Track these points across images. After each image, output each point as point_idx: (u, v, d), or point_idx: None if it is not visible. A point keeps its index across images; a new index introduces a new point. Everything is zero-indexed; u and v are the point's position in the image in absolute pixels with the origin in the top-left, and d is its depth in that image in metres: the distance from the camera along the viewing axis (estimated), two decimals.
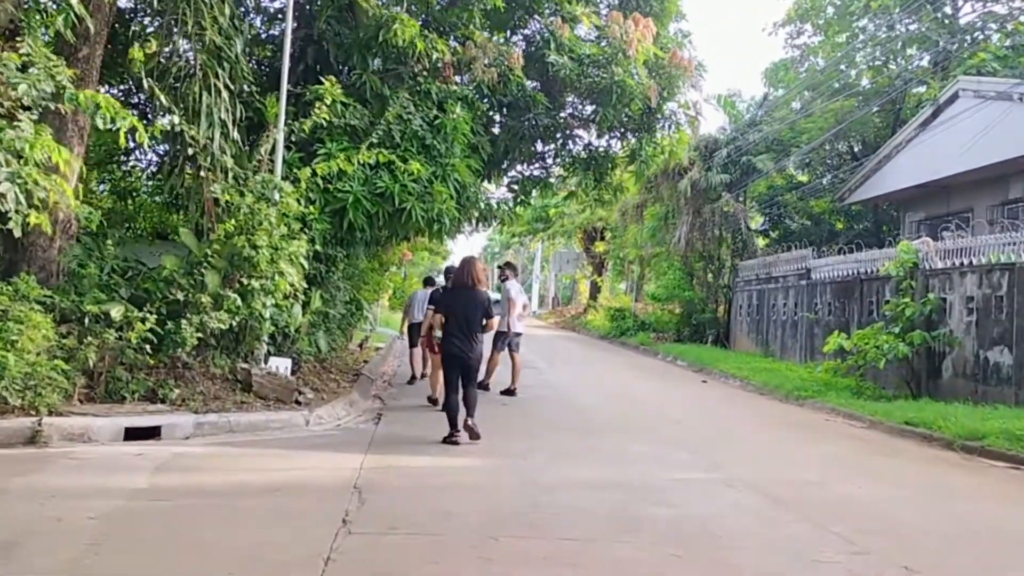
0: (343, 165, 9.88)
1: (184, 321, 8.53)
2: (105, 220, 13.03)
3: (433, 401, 10.70)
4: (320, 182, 9.89)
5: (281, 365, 9.91)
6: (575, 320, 36.61)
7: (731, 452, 8.70)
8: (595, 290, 37.67)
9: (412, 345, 13.85)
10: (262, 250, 9.02)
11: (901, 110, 24.47)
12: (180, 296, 8.70)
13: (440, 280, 14.08)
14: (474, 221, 13.41)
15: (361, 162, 10.16)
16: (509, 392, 12.17)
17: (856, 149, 25.86)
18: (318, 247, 10.37)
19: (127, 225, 13.82)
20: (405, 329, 14.06)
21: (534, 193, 13.79)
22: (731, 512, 5.95)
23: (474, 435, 8.11)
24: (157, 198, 14.25)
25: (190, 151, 8.96)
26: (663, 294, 25.61)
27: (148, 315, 8.32)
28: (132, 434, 7.43)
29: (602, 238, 37.04)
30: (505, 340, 12.18)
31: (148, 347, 8.31)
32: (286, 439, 7.95)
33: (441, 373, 9.47)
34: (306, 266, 9.76)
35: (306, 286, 10.20)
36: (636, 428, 9.98)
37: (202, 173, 9.12)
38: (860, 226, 26.10)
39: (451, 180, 11.15)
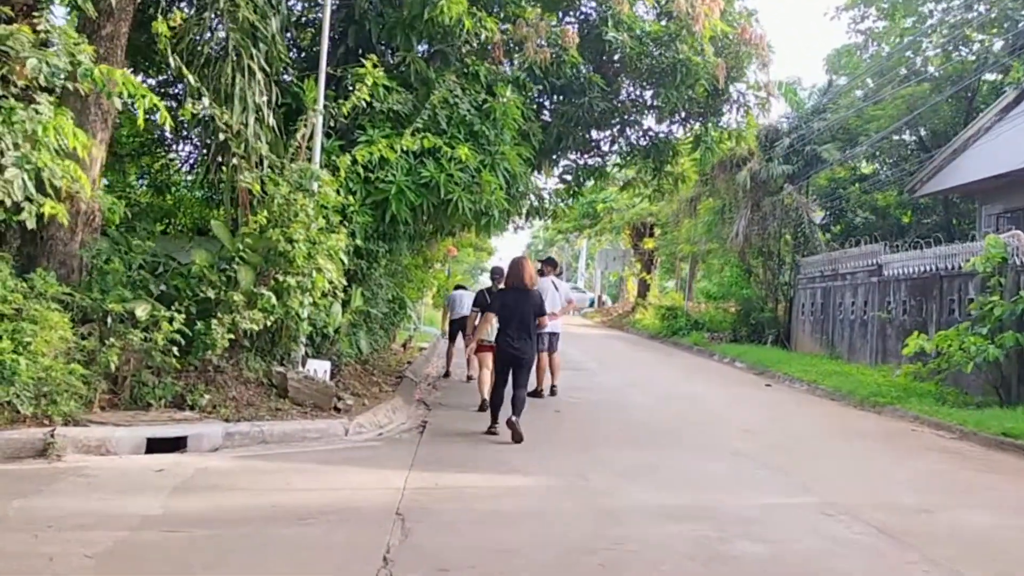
0: (385, 152, 9.12)
1: (214, 321, 7.85)
2: (143, 215, 12.57)
3: (468, 378, 10.81)
4: (360, 171, 9.15)
5: (320, 368, 9.20)
6: (623, 319, 35.59)
7: (817, 470, 7.75)
8: (644, 288, 36.57)
9: (451, 341, 14.07)
10: (298, 244, 8.31)
11: (975, 97, 23.07)
12: (211, 294, 8.02)
13: (485, 280, 13.47)
14: (524, 214, 12.58)
15: (404, 149, 9.40)
16: (536, 394, 11.08)
17: (924, 138, 24.46)
18: (359, 241, 9.64)
19: (167, 221, 13.30)
20: (447, 327, 14.24)
21: (588, 184, 12.90)
22: (840, 549, 5.03)
23: (516, 435, 7.96)
24: (197, 193, 13.72)
25: (221, 136, 8.27)
26: (719, 292, 24.53)
27: (176, 314, 7.66)
28: (155, 446, 6.76)
29: (651, 234, 35.96)
30: (545, 340, 11.25)
31: (176, 349, 7.64)
32: (323, 451, 7.21)
33: (488, 373, 9.92)
34: (346, 262, 9.04)
35: (346, 283, 9.48)
36: (704, 440, 9.07)
37: (234, 161, 8.43)
38: (929, 220, 24.74)
39: (500, 169, 10.34)
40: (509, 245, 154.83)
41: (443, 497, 5.83)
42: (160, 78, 12.82)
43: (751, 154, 21.62)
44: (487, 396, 9.65)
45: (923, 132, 24.47)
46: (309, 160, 9.19)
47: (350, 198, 9.09)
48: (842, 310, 19.72)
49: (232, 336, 7.96)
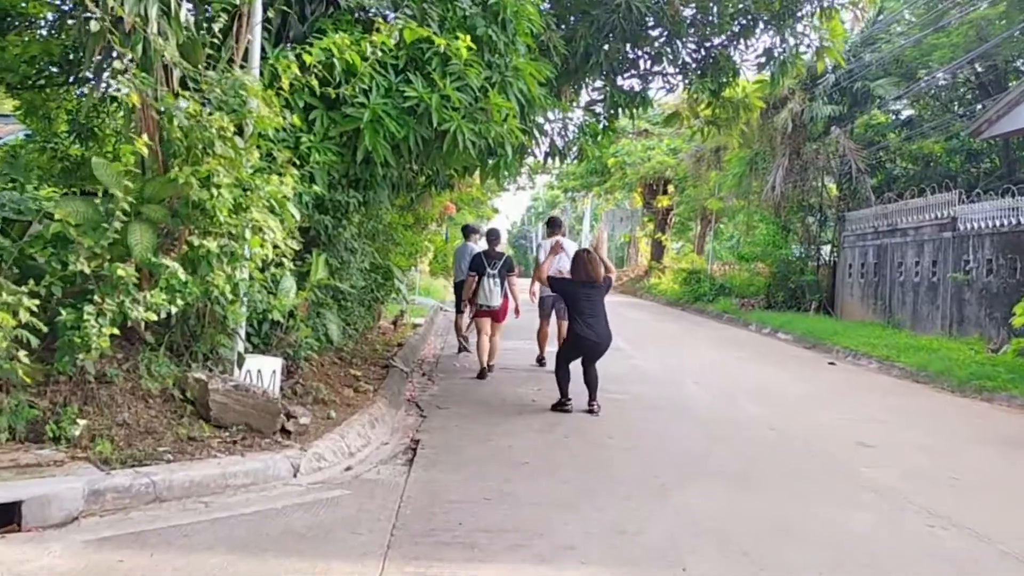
0: (350, 55, 6.33)
1: (88, 308, 5.10)
2: (73, 172, 9.86)
3: (483, 374, 10.18)
4: (315, 85, 6.34)
5: (266, 369, 6.49)
6: (636, 284, 32.90)
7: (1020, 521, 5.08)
8: (659, 250, 33.71)
9: (458, 310, 12.43)
10: (221, 190, 5.54)
11: None
12: (84, 267, 5.25)
13: (482, 244, 11.49)
14: (544, 155, 9.78)
15: (378, 55, 6.60)
16: (539, 362, 11.02)
17: (981, 75, 21.51)
18: (319, 189, 6.87)
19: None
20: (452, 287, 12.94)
21: (623, 116, 10.01)
22: None
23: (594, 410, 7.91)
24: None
25: (94, 26, 5.44)
26: (750, 253, 21.76)
27: (24, 299, 4.92)
28: None
29: (664, 192, 33.11)
30: (549, 304, 10.75)
31: (24, 354, 4.91)
32: (251, 516, 4.50)
33: (485, 339, 9.98)
34: (298, 217, 6.28)
35: (301, 247, 6.75)
36: (819, 465, 6.39)
37: (116, 64, 5.62)
38: (982, 167, 21.95)
39: (513, 90, 7.56)
40: (510, 207, 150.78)
41: None
42: None
43: (791, 93, 18.76)
44: (486, 364, 9.96)
45: (979, 68, 21.54)
46: (246, 70, 6.38)
47: (296, 119, 6.29)
48: (902, 271, 17.01)
49: (115, 331, 5.22)
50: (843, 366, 13.22)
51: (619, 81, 9.58)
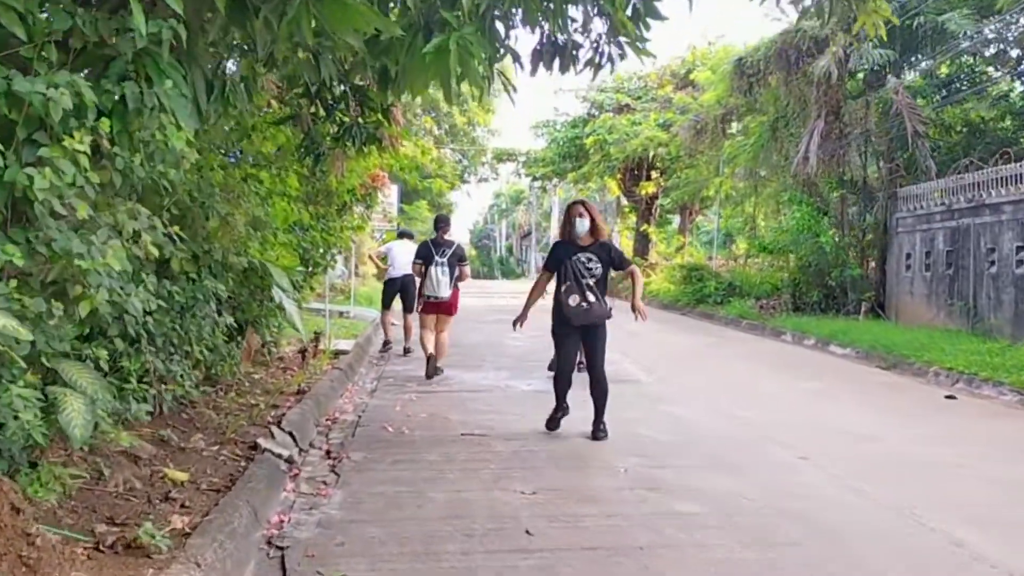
0: None
1: None
2: None
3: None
4: None
5: None
6: (619, 283, 28.58)
7: None
8: (644, 244, 29.37)
9: (385, 307, 11.80)
10: None
11: None
12: None
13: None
14: (533, 51, 5.37)
15: None
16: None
17: None
18: None
19: None
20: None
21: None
22: None
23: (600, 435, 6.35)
24: None
25: None
26: (777, 242, 17.52)
27: None
28: None
29: (648, 177, 28.85)
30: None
31: None
32: None
33: (429, 335, 9.50)
34: None
35: None
36: None
37: None
38: None
39: None
40: (471, 203, 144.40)
41: None
42: None
43: (832, 33, 14.59)
44: (432, 351, 9.41)
45: None
46: None
47: None
48: (994, 260, 12.87)
49: None
50: (966, 400, 9.00)
51: None
